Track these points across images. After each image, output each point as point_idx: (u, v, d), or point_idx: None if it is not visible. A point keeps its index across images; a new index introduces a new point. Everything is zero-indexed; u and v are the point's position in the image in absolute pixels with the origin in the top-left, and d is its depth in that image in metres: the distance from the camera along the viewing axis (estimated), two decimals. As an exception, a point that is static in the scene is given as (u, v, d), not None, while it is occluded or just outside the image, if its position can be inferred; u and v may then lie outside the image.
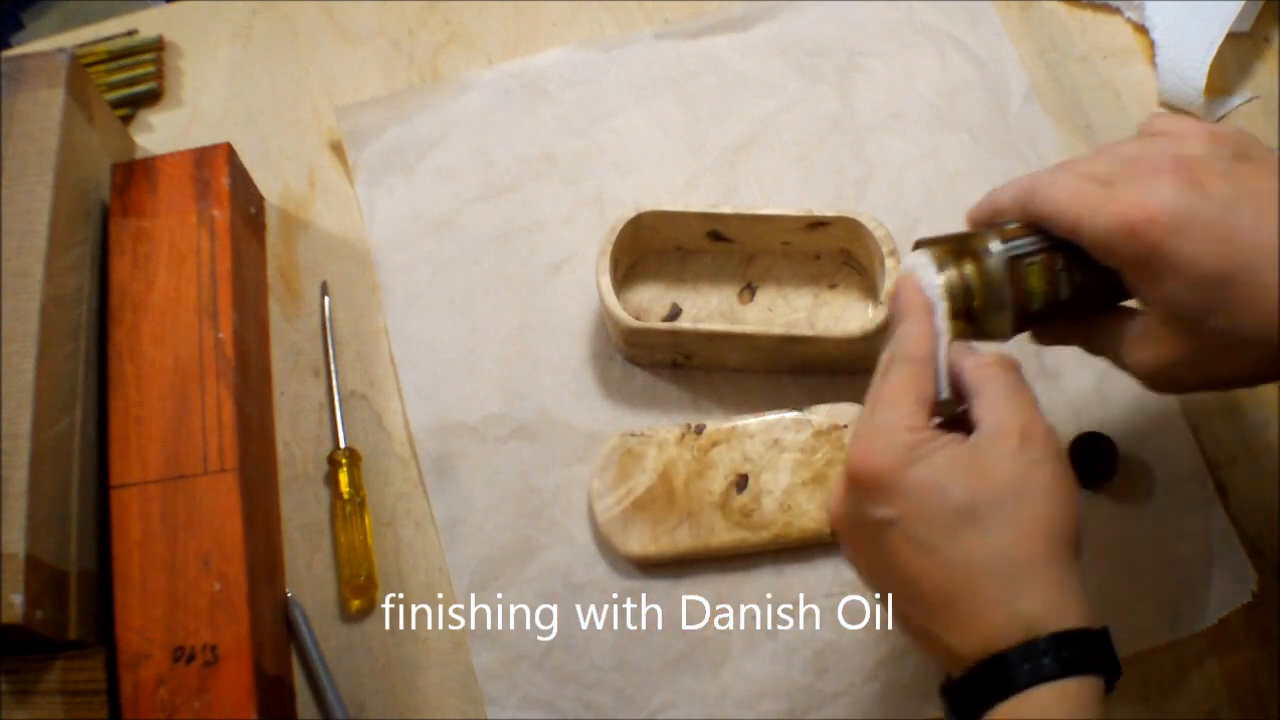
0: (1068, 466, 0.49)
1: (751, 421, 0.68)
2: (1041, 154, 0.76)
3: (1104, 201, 0.49)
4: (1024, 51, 0.80)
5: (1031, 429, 0.49)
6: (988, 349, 0.52)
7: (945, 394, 0.52)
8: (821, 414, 0.68)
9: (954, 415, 0.52)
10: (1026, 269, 0.52)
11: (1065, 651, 0.46)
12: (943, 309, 0.53)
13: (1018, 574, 0.47)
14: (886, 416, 0.50)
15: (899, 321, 0.53)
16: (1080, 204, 0.49)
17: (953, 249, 0.53)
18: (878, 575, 0.51)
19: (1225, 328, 0.47)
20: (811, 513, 0.66)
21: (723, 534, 0.66)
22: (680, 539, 0.66)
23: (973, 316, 0.53)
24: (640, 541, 0.67)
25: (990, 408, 0.50)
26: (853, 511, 0.51)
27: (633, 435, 0.69)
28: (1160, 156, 0.49)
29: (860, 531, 0.51)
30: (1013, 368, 0.51)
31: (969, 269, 0.53)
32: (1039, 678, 0.46)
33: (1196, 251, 0.47)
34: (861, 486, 0.49)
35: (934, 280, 0.53)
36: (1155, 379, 0.52)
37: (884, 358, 0.53)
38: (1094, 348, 0.55)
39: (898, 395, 0.51)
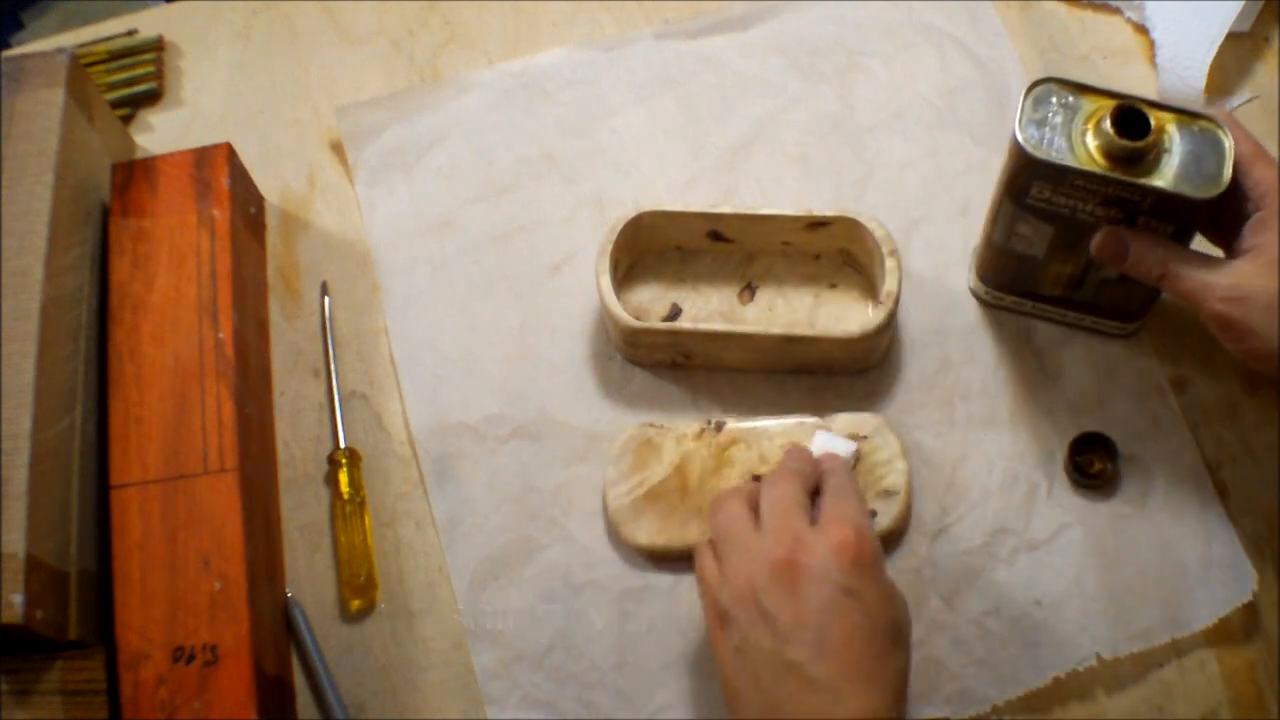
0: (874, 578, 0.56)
1: (770, 424, 0.68)
2: (1041, 154, 0.76)
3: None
4: (1024, 51, 0.80)
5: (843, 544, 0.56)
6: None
7: None
8: (842, 422, 0.68)
9: None
10: None
11: None
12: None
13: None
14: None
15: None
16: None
17: None
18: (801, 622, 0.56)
19: None
20: None
21: None
22: (689, 533, 0.66)
23: None
24: (649, 532, 0.67)
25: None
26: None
27: (652, 426, 0.69)
28: None
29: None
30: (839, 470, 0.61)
31: None
32: None
33: None
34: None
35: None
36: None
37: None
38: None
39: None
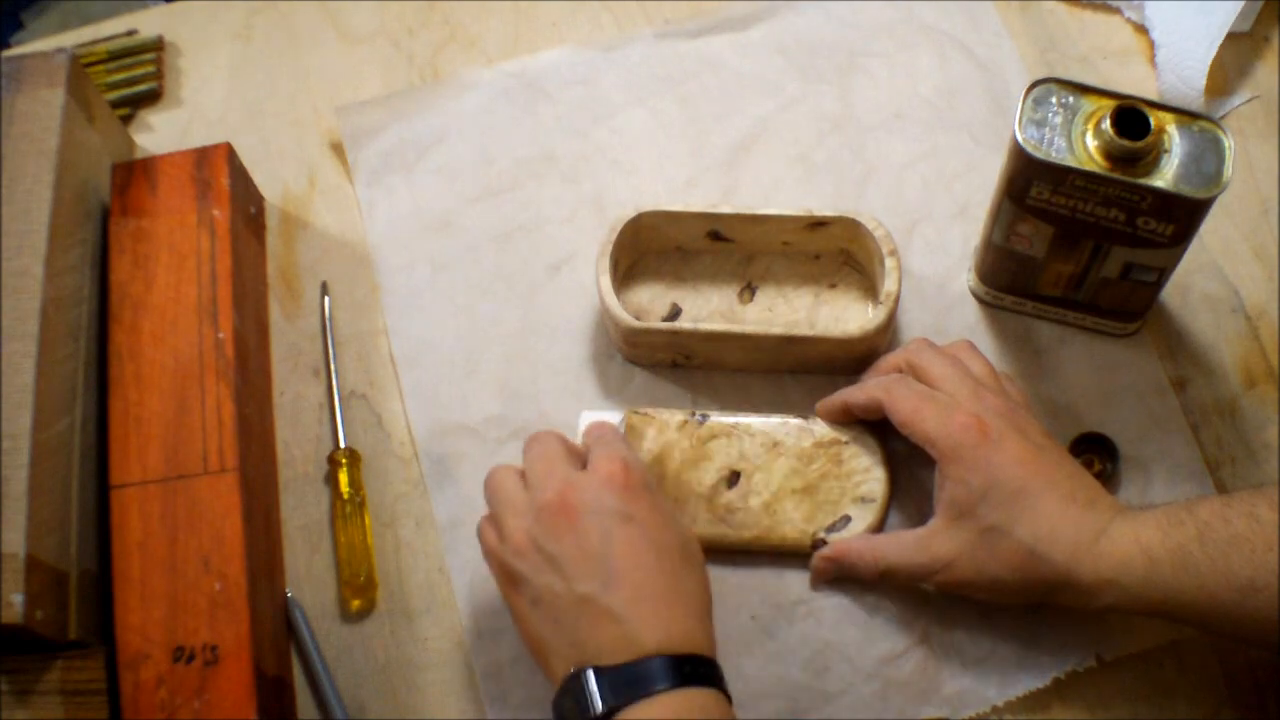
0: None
1: (754, 420, 0.68)
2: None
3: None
4: (1024, 51, 0.80)
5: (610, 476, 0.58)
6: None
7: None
8: (825, 425, 0.68)
9: None
10: None
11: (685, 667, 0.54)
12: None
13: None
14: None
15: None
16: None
17: None
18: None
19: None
20: (795, 522, 0.66)
21: (704, 526, 0.66)
22: None
23: None
24: None
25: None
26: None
27: (637, 413, 0.69)
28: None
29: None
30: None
31: None
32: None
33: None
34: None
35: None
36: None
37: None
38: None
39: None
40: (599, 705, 0.53)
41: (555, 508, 0.57)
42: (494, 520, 0.60)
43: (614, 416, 0.68)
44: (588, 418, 0.68)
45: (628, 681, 0.53)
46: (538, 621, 0.57)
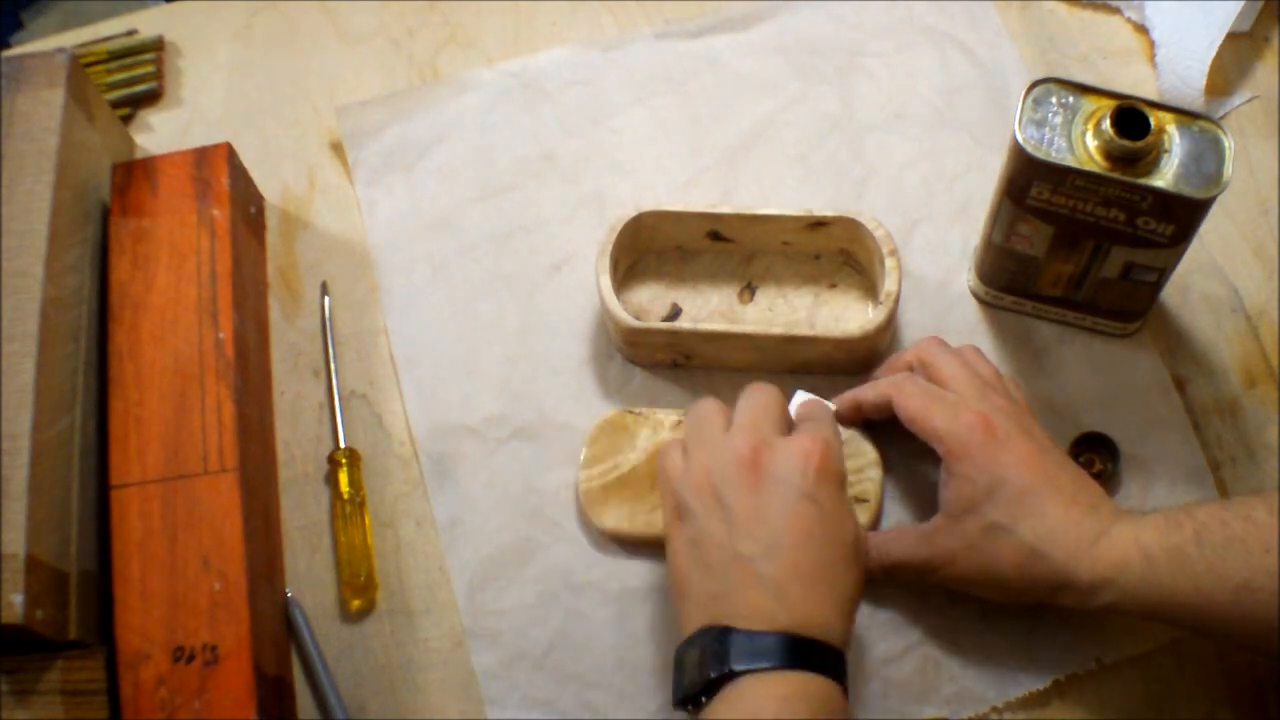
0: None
1: None
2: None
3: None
4: (1024, 51, 0.80)
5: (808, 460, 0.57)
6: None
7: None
8: None
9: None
10: None
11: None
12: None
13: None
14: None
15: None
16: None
17: None
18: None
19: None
20: None
21: None
22: (655, 522, 0.66)
23: None
24: (616, 518, 0.67)
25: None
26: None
27: (630, 413, 0.69)
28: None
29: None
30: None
31: None
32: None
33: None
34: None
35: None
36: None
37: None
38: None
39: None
40: (726, 666, 0.53)
41: (747, 461, 0.57)
42: (686, 449, 0.60)
43: (829, 405, 0.67)
44: (802, 395, 0.67)
45: (757, 651, 0.53)
46: (690, 562, 0.57)
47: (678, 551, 0.58)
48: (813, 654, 0.54)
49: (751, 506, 0.56)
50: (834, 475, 0.58)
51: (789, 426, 0.61)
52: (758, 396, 0.61)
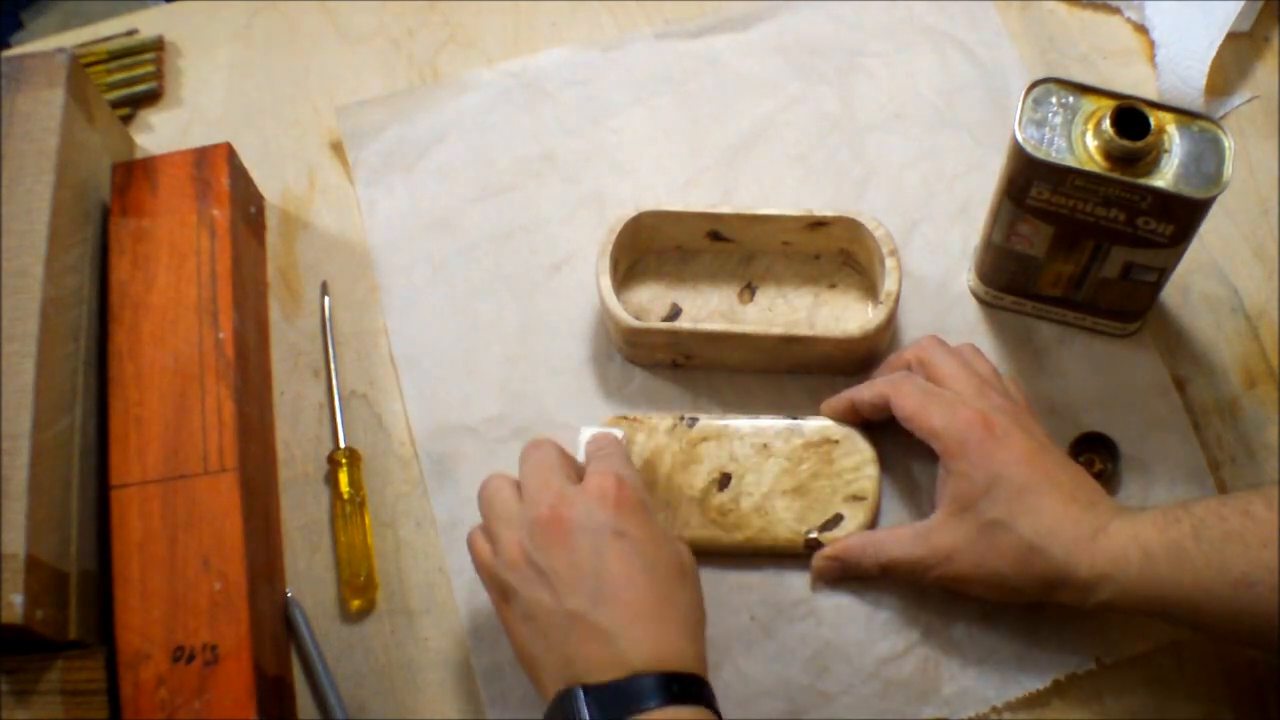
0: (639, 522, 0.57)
1: (743, 423, 0.68)
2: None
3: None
4: (1024, 51, 0.80)
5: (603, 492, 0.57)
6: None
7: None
8: (813, 426, 0.68)
9: None
10: None
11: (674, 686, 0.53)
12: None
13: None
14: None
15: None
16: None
17: None
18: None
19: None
20: (787, 522, 0.66)
21: (697, 529, 0.66)
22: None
23: None
24: None
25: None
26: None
27: (625, 419, 0.69)
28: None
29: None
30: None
31: None
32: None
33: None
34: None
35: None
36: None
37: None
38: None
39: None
40: None
41: (547, 521, 0.56)
42: (487, 531, 0.60)
43: (615, 432, 0.66)
44: (587, 433, 0.66)
45: (616, 700, 0.52)
46: (529, 636, 0.56)
47: (516, 632, 0.57)
48: (671, 687, 0.53)
49: (567, 562, 0.55)
50: (634, 504, 0.57)
51: (579, 471, 0.60)
52: (537, 455, 0.60)
